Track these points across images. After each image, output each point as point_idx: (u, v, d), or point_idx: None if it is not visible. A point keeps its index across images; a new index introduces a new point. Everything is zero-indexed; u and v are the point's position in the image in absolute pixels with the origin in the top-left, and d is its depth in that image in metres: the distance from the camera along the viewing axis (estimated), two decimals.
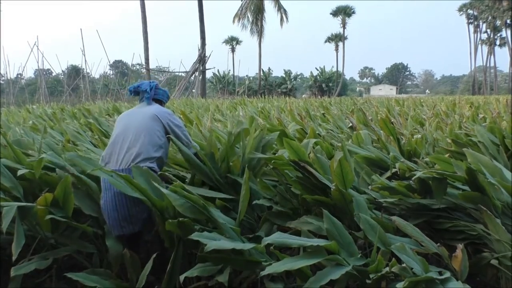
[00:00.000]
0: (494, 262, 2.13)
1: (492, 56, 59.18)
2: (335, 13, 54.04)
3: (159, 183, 2.49)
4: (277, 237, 1.96)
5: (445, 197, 2.56)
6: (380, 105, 11.27)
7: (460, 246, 1.99)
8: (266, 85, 51.38)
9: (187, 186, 2.64)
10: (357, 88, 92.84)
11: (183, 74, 30.06)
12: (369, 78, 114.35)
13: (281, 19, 44.21)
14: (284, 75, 54.02)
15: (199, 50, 27.72)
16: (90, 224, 2.74)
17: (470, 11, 60.14)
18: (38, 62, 28.73)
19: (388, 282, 1.91)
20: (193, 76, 27.88)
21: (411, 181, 2.70)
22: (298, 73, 57.57)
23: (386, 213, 2.56)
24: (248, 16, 43.92)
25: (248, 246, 1.97)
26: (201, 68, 27.64)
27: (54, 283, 2.66)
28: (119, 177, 2.35)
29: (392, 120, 5.76)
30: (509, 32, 53.23)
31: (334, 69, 53.21)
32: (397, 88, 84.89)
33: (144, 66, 28.31)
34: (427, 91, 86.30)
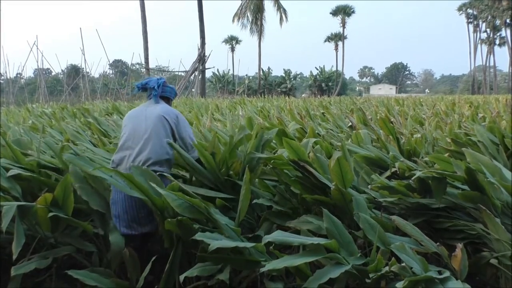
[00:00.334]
0: (493, 261, 2.13)
1: (491, 56, 59.24)
2: (334, 13, 54.02)
3: (159, 183, 2.49)
4: (277, 236, 1.96)
5: (444, 197, 2.56)
6: (380, 104, 11.27)
7: (459, 245, 1.99)
8: (266, 85, 51.37)
9: (186, 185, 2.65)
10: (357, 88, 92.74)
11: (182, 74, 30.06)
12: (368, 78, 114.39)
13: (281, 19, 44.25)
14: (283, 75, 54.00)
15: (198, 49, 27.71)
16: (93, 220, 2.76)
17: (469, 11, 60.14)
18: (37, 62, 28.79)
19: (388, 281, 1.91)
20: (193, 75, 27.86)
21: (410, 181, 2.70)
22: (298, 73, 57.62)
23: (385, 212, 2.56)
24: (248, 16, 43.96)
25: (249, 245, 1.97)
26: (200, 68, 27.63)
27: (54, 282, 2.66)
28: (120, 176, 2.35)
29: (392, 120, 5.76)
30: (508, 31, 53.30)
31: (334, 69, 53.22)
32: (396, 88, 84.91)
33: (143, 65, 28.31)
34: (426, 90, 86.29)
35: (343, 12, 53.24)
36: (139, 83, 3.04)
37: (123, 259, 2.45)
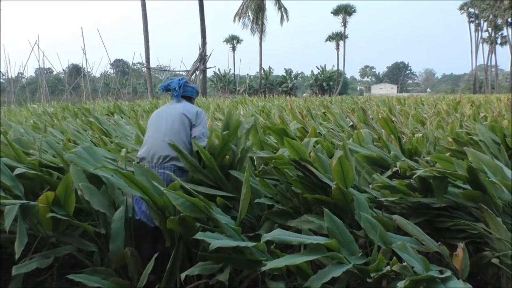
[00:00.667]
0: (495, 261, 2.12)
1: (493, 55, 59.17)
2: (336, 12, 53.96)
3: (160, 182, 2.50)
4: (278, 234, 1.96)
5: (446, 196, 2.56)
6: (381, 104, 11.25)
7: (461, 245, 1.99)
8: (267, 84, 51.35)
9: (187, 183, 2.66)
10: (358, 87, 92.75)
11: (184, 73, 30.05)
12: (370, 77, 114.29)
13: (282, 18, 44.24)
14: (284, 74, 53.98)
15: (199, 49, 27.71)
16: (94, 219, 2.76)
17: (471, 10, 60.03)
18: (39, 61, 28.81)
19: (389, 281, 1.91)
20: (194, 75, 27.85)
21: (412, 180, 2.70)
22: (299, 72, 57.57)
23: (387, 212, 2.56)
24: (249, 15, 43.95)
25: (250, 244, 1.97)
26: (201, 67, 27.62)
27: (55, 281, 2.67)
28: (121, 176, 2.36)
29: (393, 119, 5.76)
30: (510, 30, 53.40)
31: (335, 68, 53.17)
32: (398, 87, 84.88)
33: (145, 65, 28.34)
34: (428, 90, 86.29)
35: (344, 11, 53.17)
36: (163, 84, 3.24)
37: (124, 259, 2.45)
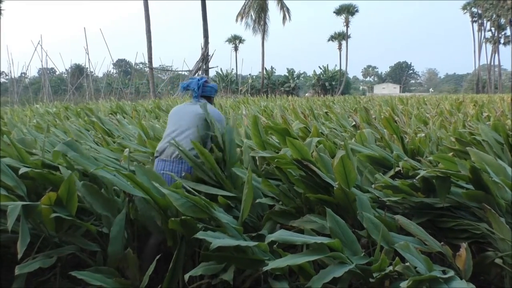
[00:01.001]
0: (498, 261, 2.12)
1: (496, 55, 58.98)
2: (338, 12, 53.96)
3: (162, 183, 2.50)
4: (281, 235, 1.96)
5: (448, 196, 2.55)
6: (384, 103, 11.24)
7: (464, 245, 1.98)
8: (269, 84, 51.34)
9: (188, 182, 2.67)
10: (360, 87, 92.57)
11: (186, 73, 30.10)
12: (372, 77, 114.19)
13: (284, 18, 44.24)
14: (287, 74, 53.98)
15: (202, 49, 27.75)
16: (96, 219, 2.76)
17: (474, 9, 59.88)
18: (42, 61, 28.95)
19: (392, 281, 1.90)
20: (196, 75, 27.88)
21: (414, 180, 2.69)
22: (301, 72, 57.62)
23: (389, 212, 2.55)
24: (251, 15, 43.96)
25: (251, 244, 1.97)
26: (204, 67, 27.65)
27: (58, 281, 2.67)
28: (122, 176, 2.37)
29: (396, 119, 5.75)
30: None
31: (337, 68, 53.17)
32: (400, 87, 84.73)
33: (147, 65, 28.39)
34: (430, 89, 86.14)
35: (347, 11, 53.17)
36: (183, 84, 3.36)
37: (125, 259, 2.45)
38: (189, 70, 28.52)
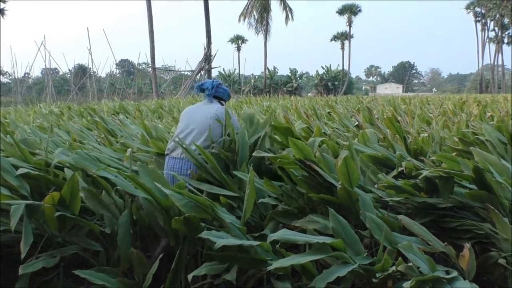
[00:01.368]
0: (501, 261, 2.11)
1: (500, 54, 58.78)
2: (341, 12, 53.87)
3: (164, 183, 2.51)
4: (283, 234, 1.96)
5: (452, 196, 2.54)
6: (386, 103, 11.21)
7: (467, 245, 1.98)
8: (272, 84, 51.37)
9: (192, 181, 2.67)
10: (363, 87, 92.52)
11: (188, 73, 30.14)
12: (375, 77, 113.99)
13: (286, 18, 44.20)
14: (289, 74, 53.97)
15: (204, 49, 27.76)
16: (99, 219, 2.77)
17: (477, 9, 59.64)
18: (45, 61, 29.04)
19: (395, 281, 1.90)
20: (199, 75, 27.91)
21: (417, 180, 2.69)
22: (304, 72, 57.58)
23: (392, 212, 2.55)
24: (254, 15, 43.93)
25: (255, 243, 1.97)
26: (206, 67, 27.67)
27: (62, 281, 2.68)
28: (124, 176, 2.37)
29: (399, 119, 5.74)
30: None
31: (340, 68, 53.08)
32: (403, 87, 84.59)
33: (150, 65, 28.43)
34: (433, 89, 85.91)
35: (350, 11, 53.08)
36: (198, 84, 3.46)
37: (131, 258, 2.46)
38: (191, 70, 28.55)
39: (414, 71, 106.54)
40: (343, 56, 54.36)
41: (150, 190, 2.35)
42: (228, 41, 58.58)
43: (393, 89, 76.79)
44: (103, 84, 32.12)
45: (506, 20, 54.38)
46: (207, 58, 27.53)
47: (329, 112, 8.01)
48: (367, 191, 2.73)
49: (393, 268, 1.79)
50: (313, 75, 57.29)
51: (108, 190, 2.73)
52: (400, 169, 3.11)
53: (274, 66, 54.89)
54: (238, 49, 58.20)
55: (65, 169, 2.93)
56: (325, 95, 34.56)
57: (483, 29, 60.14)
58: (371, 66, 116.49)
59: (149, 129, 4.69)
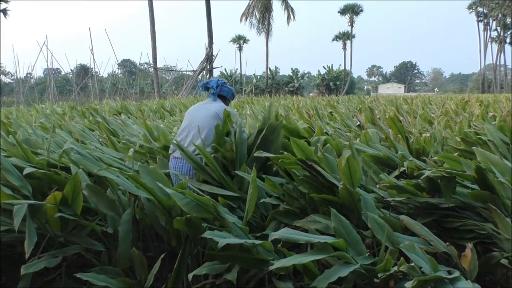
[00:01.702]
0: (504, 261, 2.10)
1: (502, 54, 58.63)
2: (343, 12, 53.78)
3: (165, 183, 2.51)
4: (285, 233, 1.96)
5: (454, 196, 2.54)
6: (388, 103, 11.20)
7: (469, 245, 1.97)
8: (273, 84, 51.35)
9: (192, 181, 2.67)
10: (365, 87, 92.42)
11: (190, 73, 30.15)
12: (377, 77, 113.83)
13: (288, 18, 44.20)
14: (291, 74, 53.93)
15: (206, 49, 27.79)
16: (101, 219, 2.77)
17: (480, 9, 59.51)
18: (47, 61, 29.09)
19: (397, 281, 1.90)
20: (201, 75, 27.93)
21: (419, 180, 2.68)
22: (305, 72, 57.52)
23: (394, 212, 2.54)
24: (255, 15, 43.94)
25: (257, 242, 1.97)
26: (208, 67, 27.69)
27: (64, 281, 2.68)
28: (125, 176, 2.38)
29: (401, 119, 5.73)
30: None
31: (342, 68, 53.02)
32: (405, 87, 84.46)
33: (152, 65, 28.46)
34: (435, 89, 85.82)
35: (351, 11, 52.98)
36: (203, 82, 3.52)
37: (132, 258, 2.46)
38: (193, 70, 28.55)
39: (416, 71, 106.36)
40: (344, 56, 54.35)
41: (151, 190, 2.35)
42: (230, 41, 58.64)
43: (395, 89, 76.69)
44: (105, 84, 32.17)
45: (508, 20, 54.25)
46: (209, 58, 27.55)
47: (331, 112, 8.00)
48: (369, 191, 2.72)
49: (395, 268, 1.79)
50: (315, 75, 57.23)
51: (114, 186, 2.74)
52: (402, 169, 3.10)
53: (275, 66, 55.05)
54: (240, 49, 58.21)
55: (71, 165, 2.93)
56: (326, 95, 34.54)
57: (485, 29, 60.00)
58: (373, 66, 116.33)
59: (151, 129, 4.69)
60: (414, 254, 1.88)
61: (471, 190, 2.51)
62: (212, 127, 3.11)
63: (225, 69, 48.41)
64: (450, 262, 2.16)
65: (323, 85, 51.95)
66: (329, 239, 1.89)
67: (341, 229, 2.05)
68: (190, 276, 2.02)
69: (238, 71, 51.34)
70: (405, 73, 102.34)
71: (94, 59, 37.10)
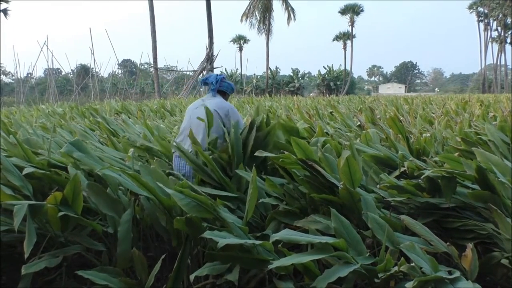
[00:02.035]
0: (504, 261, 2.10)
1: (502, 54, 58.64)
2: (343, 12, 53.81)
3: (166, 182, 2.51)
4: (285, 234, 1.96)
5: (454, 196, 2.54)
6: (389, 103, 11.20)
7: (470, 245, 1.97)
8: (274, 84, 51.36)
9: (194, 184, 2.67)
10: (365, 87, 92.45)
11: (191, 73, 30.16)
12: (377, 77, 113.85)
13: (289, 18, 44.24)
14: (291, 74, 53.94)
15: (207, 49, 27.80)
16: (102, 219, 2.77)
17: (480, 9, 59.51)
18: (47, 61, 29.08)
19: (397, 281, 1.89)
20: (201, 75, 27.93)
21: (420, 180, 2.68)
22: (306, 72, 57.56)
23: (394, 212, 2.54)
24: (256, 15, 43.96)
25: (257, 242, 1.97)
26: (208, 67, 27.69)
27: (64, 281, 2.68)
28: (127, 175, 2.38)
29: (401, 119, 5.73)
30: None
31: (342, 68, 53.03)
32: (405, 87, 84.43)
33: (152, 65, 28.47)
34: (436, 89, 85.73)
35: (352, 11, 53.01)
36: (202, 78, 3.55)
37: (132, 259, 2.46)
38: (193, 70, 28.57)
39: (417, 71, 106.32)
40: (345, 56, 54.36)
41: (152, 189, 2.35)
42: (230, 41, 58.66)
43: (396, 89, 76.66)
44: (105, 84, 32.17)
45: (509, 20, 54.24)
46: (209, 58, 27.56)
47: (331, 112, 8.00)
48: (369, 191, 2.72)
49: (395, 268, 1.79)
50: (315, 75, 57.28)
51: (114, 186, 2.74)
52: (402, 169, 3.10)
53: (276, 66, 55.14)
54: (240, 49, 58.24)
55: (69, 167, 2.93)
56: (327, 95, 34.52)
57: (485, 29, 60.00)
58: (373, 66, 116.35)
59: (151, 129, 4.70)
60: (415, 254, 1.88)
61: (471, 190, 2.51)
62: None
63: (225, 69, 48.43)
64: (451, 262, 2.16)
65: (323, 85, 51.98)
66: (330, 240, 1.89)
67: (341, 229, 2.05)
68: (191, 277, 2.02)
69: (239, 71, 51.44)
70: (406, 73, 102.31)
71: (94, 59, 37.23)
